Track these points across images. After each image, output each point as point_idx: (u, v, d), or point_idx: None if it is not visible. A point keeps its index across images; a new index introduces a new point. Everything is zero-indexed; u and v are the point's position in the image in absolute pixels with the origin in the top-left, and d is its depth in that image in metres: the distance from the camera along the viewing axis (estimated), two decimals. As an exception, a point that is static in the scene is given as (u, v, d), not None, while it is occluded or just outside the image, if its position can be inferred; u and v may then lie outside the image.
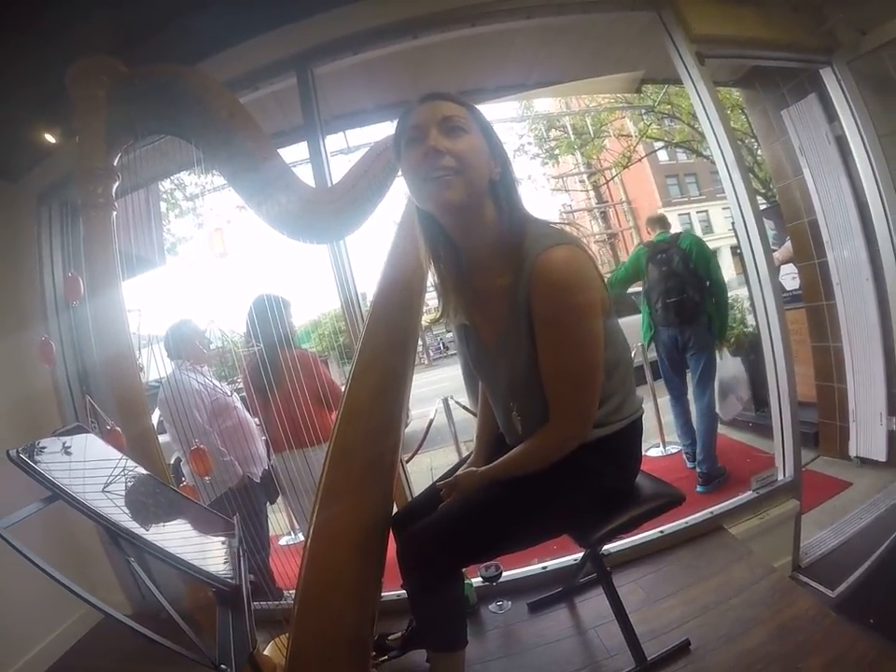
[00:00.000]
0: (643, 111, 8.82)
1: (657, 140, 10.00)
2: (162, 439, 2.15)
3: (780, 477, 2.36)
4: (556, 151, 9.99)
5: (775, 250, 3.45)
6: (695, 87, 2.37)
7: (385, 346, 1.69)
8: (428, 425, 3.07)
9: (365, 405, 1.58)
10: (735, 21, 2.53)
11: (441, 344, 19.40)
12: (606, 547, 1.76)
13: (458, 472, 1.36)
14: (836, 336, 3.29)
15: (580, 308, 1.06)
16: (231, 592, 0.80)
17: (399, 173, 1.22)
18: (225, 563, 0.88)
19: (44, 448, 0.85)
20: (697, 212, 22.83)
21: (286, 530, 3.21)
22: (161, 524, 0.90)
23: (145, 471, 1.05)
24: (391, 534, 1.43)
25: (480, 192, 1.12)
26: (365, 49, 2.34)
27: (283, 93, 2.47)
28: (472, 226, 1.16)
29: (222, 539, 0.99)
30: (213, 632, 1.38)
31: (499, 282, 1.15)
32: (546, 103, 10.92)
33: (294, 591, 1.34)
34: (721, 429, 3.81)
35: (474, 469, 1.31)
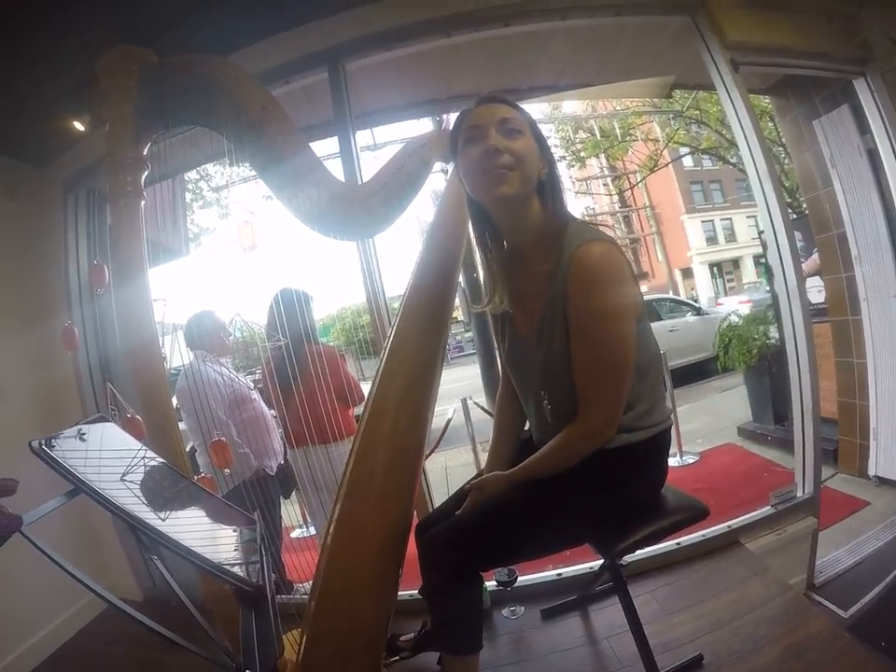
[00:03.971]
0: (671, 116, 8.72)
1: (684, 146, 9.91)
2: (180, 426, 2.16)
3: (799, 493, 2.31)
4: (582, 154, 9.93)
5: (802, 262, 3.40)
6: (729, 94, 2.33)
7: (415, 344, 1.68)
8: (446, 424, 3.05)
9: (392, 403, 1.57)
10: (769, 29, 2.48)
11: (459, 344, 19.29)
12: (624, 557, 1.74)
13: (483, 475, 1.36)
14: (861, 352, 3.22)
15: (613, 301, 1.10)
16: (255, 592, 0.78)
17: (435, 168, 1.25)
18: (247, 561, 0.87)
19: (67, 440, 0.84)
20: (721, 219, 22.55)
21: (298, 523, 3.23)
22: (183, 519, 0.89)
23: (165, 462, 1.05)
24: (412, 538, 1.42)
25: (530, 189, 1.20)
26: (397, 45, 2.33)
27: (313, 88, 2.46)
28: (519, 218, 1.23)
29: (243, 535, 0.98)
30: (225, 623, 1.38)
31: (539, 271, 1.21)
32: (573, 105, 10.84)
33: (308, 584, 1.33)
34: (740, 442, 4.31)
35: (499, 473, 1.31)
